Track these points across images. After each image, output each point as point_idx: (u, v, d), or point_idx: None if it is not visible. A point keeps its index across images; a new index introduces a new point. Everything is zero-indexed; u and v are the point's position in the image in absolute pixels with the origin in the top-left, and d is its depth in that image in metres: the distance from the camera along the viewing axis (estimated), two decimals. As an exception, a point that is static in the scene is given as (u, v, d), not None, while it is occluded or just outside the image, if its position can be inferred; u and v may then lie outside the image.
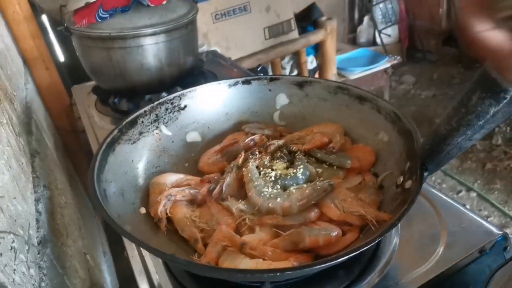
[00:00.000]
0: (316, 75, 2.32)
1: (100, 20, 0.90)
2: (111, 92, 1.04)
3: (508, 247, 0.58)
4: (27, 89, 1.23)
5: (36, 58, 1.38)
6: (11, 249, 0.53)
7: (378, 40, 3.56)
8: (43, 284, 0.61)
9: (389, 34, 3.63)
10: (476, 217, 0.59)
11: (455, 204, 0.62)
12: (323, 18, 2.18)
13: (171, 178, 0.62)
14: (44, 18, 1.61)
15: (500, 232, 0.57)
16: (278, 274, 0.37)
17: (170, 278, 0.54)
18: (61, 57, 1.78)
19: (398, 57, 2.66)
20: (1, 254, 0.49)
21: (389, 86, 3.01)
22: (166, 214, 0.55)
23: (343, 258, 0.38)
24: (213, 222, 0.54)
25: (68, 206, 1.09)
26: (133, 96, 1.02)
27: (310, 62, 2.27)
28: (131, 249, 0.61)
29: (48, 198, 0.86)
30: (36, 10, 1.46)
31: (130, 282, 0.70)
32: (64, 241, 0.88)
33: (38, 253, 0.65)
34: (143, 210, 0.56)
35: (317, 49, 2.27)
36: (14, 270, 0.51)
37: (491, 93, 0.40)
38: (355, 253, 0.39)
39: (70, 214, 1.07)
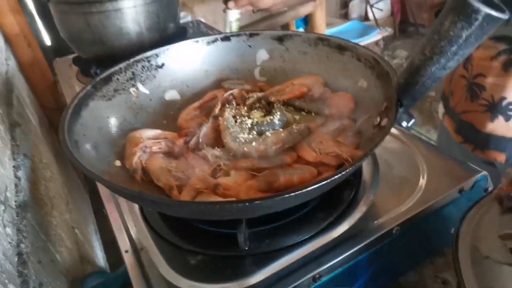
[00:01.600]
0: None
1: (75, -16, 0.87)
2: (92, 62, 1.02)
3: (489, 188, 0.57)
4: (8, 64, 1.20)
5: (17, 35, 1.35)
6: (-15, 205, 0.52)
7: (370, 14, 3.51)
8: (22, 245, 0.61)
9: (381, 8, 3.58)
10: (456, 161, 0.59)
11: (434, 148, 0.61)
12: (312, -11, 2.14)
13: (148, 133, 0.61)
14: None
15: (481, 173, 0.56)
16: (247, 204, 0.36)
17: (148, 228, 0.54)
18: (45, 35, 1.74)
19: (390, 29, 2.63)
20: (-28, 207, 0.48)
21: (382, 60, 2.98)
22: (142, 165, 0.54)
23: (314, 186, 0.37)
24: (189, 171, 0.53)
25: (54, 180, 1.08)
26: (114, 63, 1.00)
27: (300, 35, 2.24)
28: (110, 206, 0.60)
29: (30, 168, 0.85)
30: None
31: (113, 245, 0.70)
32: (49, 211, 0.87)
33: (17, 216, 0.64)
34: (118, 163, 0.56)
35: (307, 21, 2.24)
36: (-12, 224, 0.50)
37: (462, 15, 0.38)
38: (327, 181, 0.38)
39: (56, 188, 1.06)
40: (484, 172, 0.56)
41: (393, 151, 0.61)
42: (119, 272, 0.70)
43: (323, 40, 0.69)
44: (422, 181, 0.55)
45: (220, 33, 0.80)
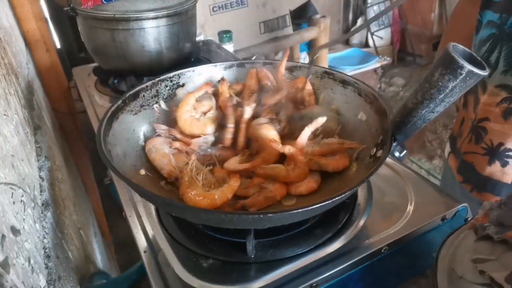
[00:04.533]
0: (308, 72, 2.39)
1: (105, 2, 0.95)
2: (111, 73, 1.09)
3: (469, 218, 0.65)
4: (29, 68, 1.27)
5: (38, 40, 1.42)
6: (21, 201, 0.58)
7: (370, 42, 3.65)
8: (45, 241, 0.66)
9: (381, 36, 3.72)
10: (440, 191, 0.66)
11: (422, 179, 0.69)
12: (317, 16, 2.25)
13: (163, 141, 0.68)
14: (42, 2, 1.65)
15: (461, 204, 0.64)
16: (261, 216, 0.43)
17: (164, 232, 0.60)
18: (57, 41, 1.82)
19: (388, 58, 2.74)
20: (14, 202, 0.54)
21: (379, 88, 3.09)
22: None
23: (320, 205, 0.44)
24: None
25: (64, 182, 1.14)
26: (132, 77, 1.07)
27: (303, 59, 2.34)
28: (129, 209, 0.66)
29: (48, 169, 0.91)
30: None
31: (126, 247, 0.76)
32: (62, 211, 0.92)
33: (42, 213, 0.70)
34: (142, 171, 0.62)
35: (310, 46, 2.34)
36: (24, 219, 0.56)
37: (450, 69, 0.46)
38: (328, 202, 0.45)
39: (66, 190, 1.12)
40: (465, 204, 0.63)
41: (386, 178, 0.69)
42: (127, 273, 0.76)
43: (329, 74, 0.77)
44: (410, 208, 0.63)
45: (235, 59, 0.88)
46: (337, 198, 0.45)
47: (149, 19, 0.95)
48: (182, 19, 1.02)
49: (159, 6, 0.97)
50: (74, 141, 1.59)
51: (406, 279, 0.64)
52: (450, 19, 1.01)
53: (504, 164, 0.79)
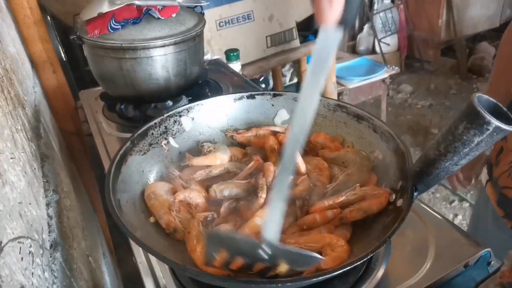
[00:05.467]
0: (316, 83, 2.36)
1: (112, 31, 0.94)
2: (118, 99, 1.08)
3: (492, 262, 0.62)
4: (35, 92, 1.26)
5: (44, 62, 1.42)
6: (29, 253, 0.56)
7: (377, 48, 3.62)
8: (54, 287, 0.65)
9: (388, 43, 3.69)
10: (462, 233, 0.64)
11: (443, 219, 0.66)
12: (324, 28, 2.23)
13: (164, 187, 0.65)
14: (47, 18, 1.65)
15: (484, 249, 0.61)
16: (279, 285, 0.41)
17: (175, 282, 0.58)
18: (64, 58, 1.82)
19: (396, 68, 2.71)
20: (22, 258, 0.52)
21: (387, 95, 3.06)
22: (178, 225, 0.59)
23: (339, 271, 0.42)
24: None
25: (72, 208, 1.13)
26: (140, 103, 1.06)
27: (310, 71, 2.31)
28: (139, 255, 0.65)
29: (56, 202, 0.90)
30: (45, 14, 1.50)
31: (134, 283, 0.74)
32: (71, 244, 0.91)
33: (50, 257, 0.68)
34: (152, 219, 0.60)
35: (317, 58, 2.32)
36: (32, 273, 0.55)
37: (475, 124, 0.44)
38: (348, 268, 0.43)
39: (74, 217, 1.10)
40: (488, 249, 0.60)
41: (405, 221, 0.66)
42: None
43: (341, 107, 0.75)
44: (431, 254, 0.60)
45: (243, 80, 0.85)
46: (356, 263, 0.43)
47: (156, 47, 0.94)
48: (189, 45, 1.00)
49: (166, 34, 0.95)
50: (81, 161, 1.58)
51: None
52: (503, 39, 0.90)
53: None
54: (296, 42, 2.11)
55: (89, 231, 1.30)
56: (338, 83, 2.53)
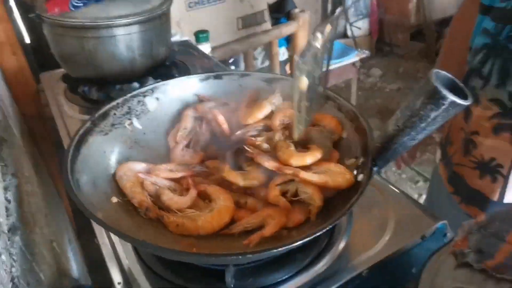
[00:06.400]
0: (287, 67, 2.37)
1: (73, 9, 0.90)
2: (81, 81, 1.04)
3: (447, 233, 0.65)
4: (-7, 74, 1.20)
5: (3, 43, 1.34)
6: (-16, 236, 0.54)
7: (349, 32, 3.65)
8: (13, 270, 0.63)
9: (359, 27, 3.72)
10: (420, 207, 0.66)
11: (402, 195, 0.69)
12: (296, 10, 2.22)
13: (137, 167, 0.64)
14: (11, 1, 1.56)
15: (440, 221, 0.64)
16: (240, 257, 0.42)
17: (139, 262, 0.58)
18: (27, 40, 1.73)
19: (367, 51, 2.74)
20: (-25, 241, 0.50)
21: (357, 79, 3.11)
22: (151, 203, 0.58)
23: (299, 242, 0.43)
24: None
25: (34, 193, 1.09)
26: (104, 85, 1.03)
27: (282, 54, 2.31)
28: (102, 237, 0.64)
29: (15, 186, 0.86)
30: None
31: (99, 268, 0.73)
32: (32, 229, 0.88)
33: (9, 240, 0.66)
34: (114, 199, 0.59)
35: (289, 41, 2.31)
36: (-12, 256, 0.53)
37: (432, 99, 0.45)
38: (309, 238, 0.44)
39: (36, 202, 1.07)
40: (444, 221, 0.63)
41: (365, 194, 0.68)
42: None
43: (308, 87, 0.75)
44: (390, 227, 0.62)
45: (212, 62, 0.84)
46: (316, 234, 0.44)
47: (120, 26, 0.91)
48: (155, 25, 0.97)
49: (130, 12, 0.92)
50: (44, 146, 1.52)
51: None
52: (452, 21, 0.94)
53: (494, 180, 0.78)
54: (268, 25, 2.09)
55: (54, 217, 1.27)
56: (309, 66, 2.54)
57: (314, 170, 0.58)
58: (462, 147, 0.84)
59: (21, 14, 1.77)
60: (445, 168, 0.92)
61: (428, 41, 3.85)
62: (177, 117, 0.76)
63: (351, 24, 3.61)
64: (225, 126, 0.71)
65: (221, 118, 0.71)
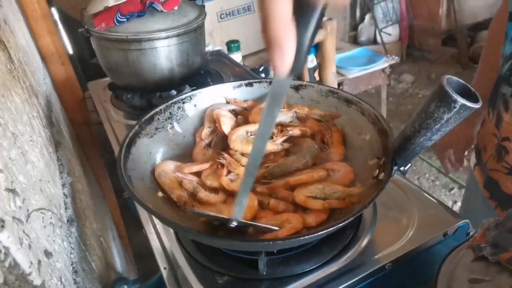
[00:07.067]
0: (316, 74, 2.41)
1: (118, 24, 0.99)
2: (125, 89, 1.14)
3: (471, 232, 0.68)
4: (46, 83, 1.33)
5: (53, 54, 1.48)
6: (50, 223, 0.63)
7: (378, 38, 3.65)
8: (72, 256, 0.71)
9: (389, 33, 3.71)
10: (443, 206, 0.70)
11: (426, 194, 0.72)
12: (324, 19, 2.26)
13: (170, 165, 0.72)
14: (54, 12, 1.71)
15: (463, 220, 0.67)
16: (271, 243, 0.47)
17: (182, 250, 0.65)
18: (71, 51, 1.88)
19: (396, 57, 2.74)
20: (45, 226, 0.59)
21: (388, 85, 3.10)
22: (188, 198, 0.65)
23: (322, 232, 0.48)
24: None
25: (84, 192, 1.20)
26: (145, 93, 1.12)
27: (310, 61, 2.36)
28: (148, 227, 0.71)
29: (70, 184, 0.96)
30: (52, 8, 1.55)
31: (144, 258, 0.81)
32: (84, 223, 0.98)
33: (68, 230, 0.75)
34: (160, 194, 0.67)
35: (317, 48, 2.36)
36: (54, 240, 0.61)
37: (444, 102, 0.50)
38: (335, 227, 0.49)
39: (86, 200, 1.17)
40: (466, 220, 0.66)
41: (390, 194, 0.72)
42: (147, 284, 0.81)
43: (333, 92, 0.81)
44: (413, 224, 0.66)
45: (243, 69, 0.90)
46: (338, 225, 0.49)
47: (160, 39, 1.00)
48: (191, 37, 1.06)
49: (169, 26, 1.01)
50: (90, 149, 1.65)
51: (410, 290, 0.67)
52: (489, 27, 0.96)
53: None
54: (296, 33, 2.15)
55: (100, 215, 1.37)
56: (338, 73, 2.57)
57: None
58: (495, 153, 0.86)
59: (64, 27, 1.93)
60: (480, 174, 0.93)
61: (460, 46, 3.78)
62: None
63: (380, 30, 3.61)
64: (224, 127, 0.76)
65: (222, 120, 0.77)
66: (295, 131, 0.75)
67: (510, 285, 0.46)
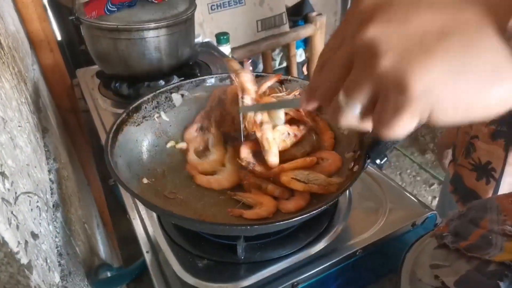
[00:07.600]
0: (305, 68, 2.45)
1: (108, 13, 1.00)
2: (113, 77, 1.15)
3: (438, 224, 0.72)
4: (34, 69, 1.33)
5: (42, 40, 1.47)
6: (37, 207, 0.65)
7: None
8: (57, 240, 0.74)
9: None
10: (413, 197, 0.74)
11: (397, 186, 0.76)
12: (314, 14, 2.29)
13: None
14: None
15: (431, 211, 0.71)
16: (249, 227, 0.50)
17: (164, 234, 0.68)
18: (59, 37, 1.88)
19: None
20: (32, 209, 0.61)
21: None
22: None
23: (297, 218, 0.52)
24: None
25: (69, 179, 1.21)
26: (133, 82, 1.14)
27: (299, 55, 2.39)
28: (132, 212, 0.74)
29: (56, 170, 0.98)
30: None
31: (128, 243, 0.83)
32: (69, 209, 1.00)
33: (53, 214, 0.77)
34: (145, 180, 0.69)
35: (306, 43, 2.39)
36: (40, 223, 0.64)
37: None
38: (311, 213, 0.52)
39: (71, 186, 1.19)
40: (434, 211, 0.71)
41: (366, 186, 0.76)
42: (130, 268, 0.84)
43: (317, 87, 0.84)
44: (384, 214, 0.70)
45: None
46: (313, 212, 0.52)
47: (150, 29, 1.01)
48: (181, 28, 1.07)
49: (159, 16, 1.02)
50: (76, 136, 1.66)
51: (379, 276, 0.71)
52: None
53: (487, 182, 0.85)
54: (286, 27, 2.17)
55: (85, 202, 1.39)
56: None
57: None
58: (464, 150, 0.90)
59: (53, 13, 1.92)
60: (452, 169, 0.98)
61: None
62: (199, 112, 0.86)
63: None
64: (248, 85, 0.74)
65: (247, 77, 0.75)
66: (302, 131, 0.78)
67: (466, 270, 0.50)
